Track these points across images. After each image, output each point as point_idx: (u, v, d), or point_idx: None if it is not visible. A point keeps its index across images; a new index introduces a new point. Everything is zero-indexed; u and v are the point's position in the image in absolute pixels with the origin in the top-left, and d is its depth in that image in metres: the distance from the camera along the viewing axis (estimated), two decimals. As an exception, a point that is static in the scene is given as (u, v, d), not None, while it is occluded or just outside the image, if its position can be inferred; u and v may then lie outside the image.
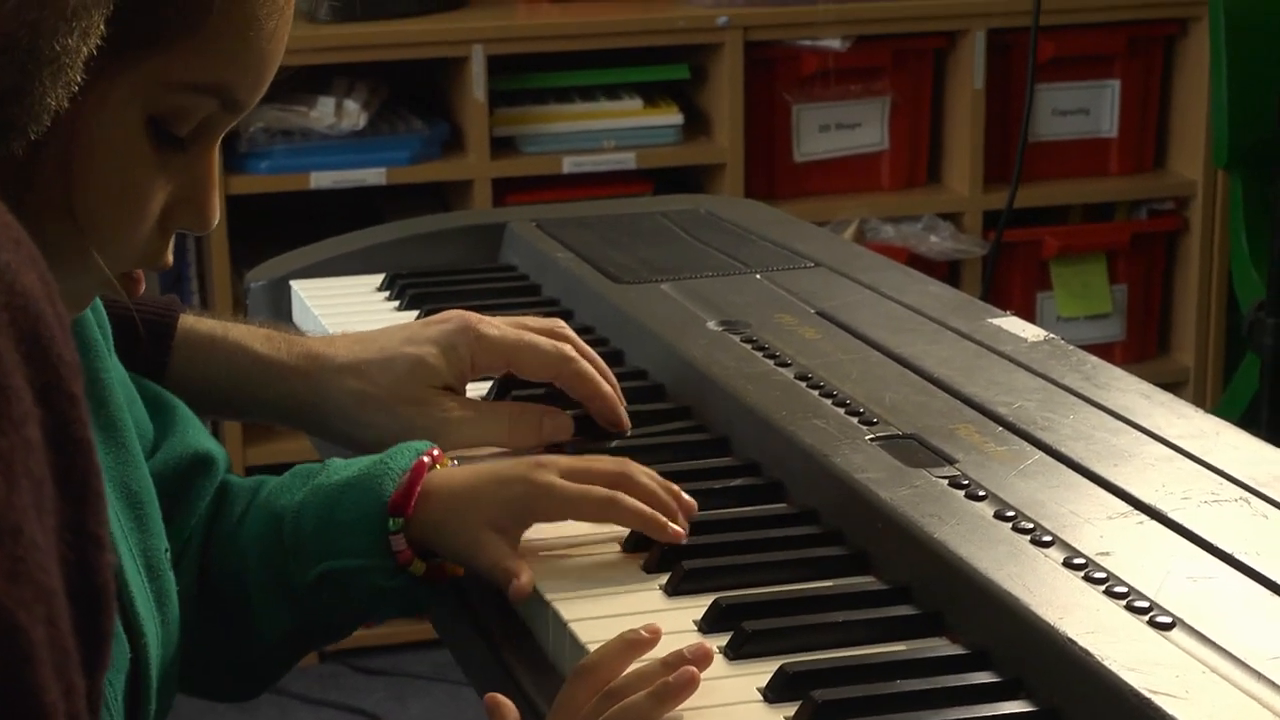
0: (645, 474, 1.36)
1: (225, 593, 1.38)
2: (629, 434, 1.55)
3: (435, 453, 1.38)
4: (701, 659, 1.15)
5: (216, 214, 1.15)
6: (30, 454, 0.65)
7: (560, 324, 1.59)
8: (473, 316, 1.55)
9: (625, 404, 1.57)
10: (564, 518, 1.35)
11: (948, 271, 3.66)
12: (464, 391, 1.55)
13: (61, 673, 0.65)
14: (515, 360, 1.54)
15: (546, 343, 1.54)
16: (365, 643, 3.57)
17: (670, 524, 1.32)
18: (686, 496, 1.36)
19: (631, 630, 1.18)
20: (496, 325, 1.55)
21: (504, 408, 1.54)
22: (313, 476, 1.39)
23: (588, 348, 1.58)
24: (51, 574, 0.65)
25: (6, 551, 0.63)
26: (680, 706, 1.13)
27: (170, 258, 1.15)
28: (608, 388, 1.54)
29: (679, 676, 1.13)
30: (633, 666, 1.17)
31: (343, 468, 1.38)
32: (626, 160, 3.54)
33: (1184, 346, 3.84)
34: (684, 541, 1.33)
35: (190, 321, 1.51)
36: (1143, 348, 3.84)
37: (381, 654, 3.55)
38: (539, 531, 1.36)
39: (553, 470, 1.34)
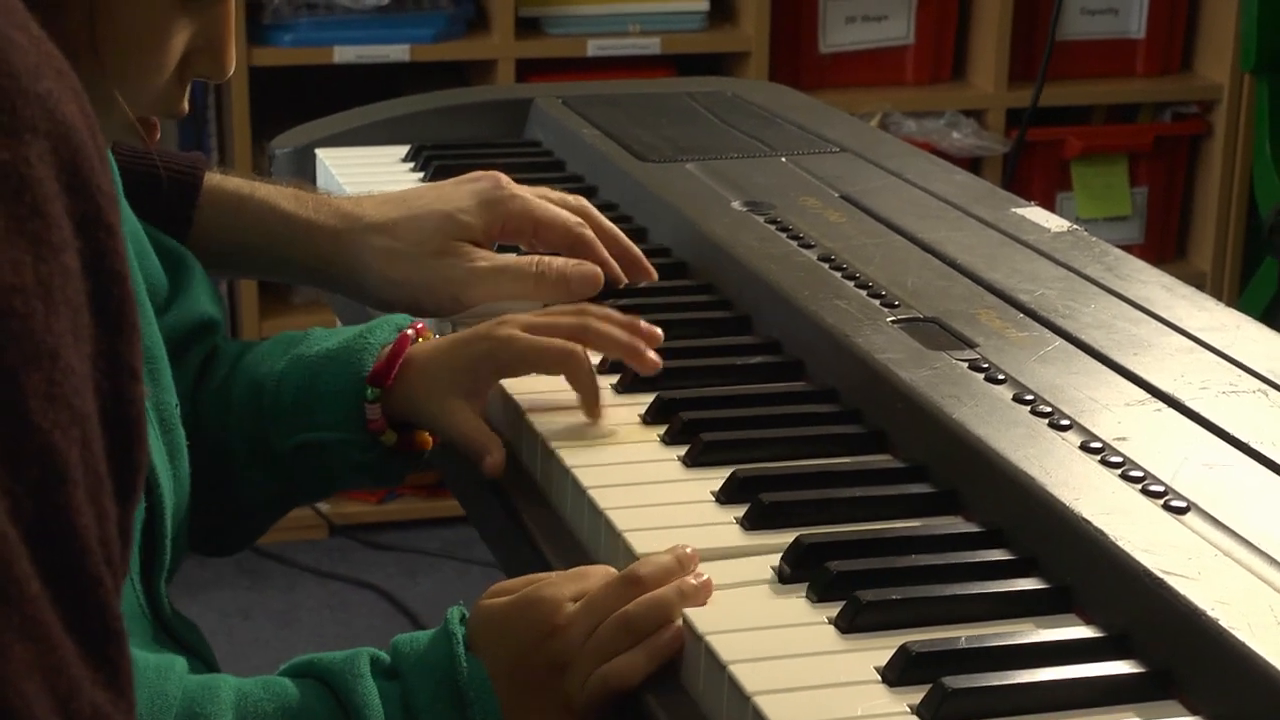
0: (605, 318, 1.38)
1: (208, 453, 1.40)
2: (652, 310, 1.56)
3: (419, 325, 1.39)
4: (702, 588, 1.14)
5: (233, 63, 1.19)
6: (68, 281, 0.66)
7: (583, 202, 1.59)
8: (503, 178, 1.55)
9: (652, 278, 1.59)
10: (526, 371, 1.37)
11: (969, 169, 3.64)
12: (490, 248, 1.55)
13: (94, 497, 0.66)
14: (541, 229, 1.54)
15: (571, 217, 1.55)
16: (376, 519, 3.59)
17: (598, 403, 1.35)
18: (649, 326, 1.39)
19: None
20: (526, 190, 1.55)
21: (530, 261, 1.54)
22: (294, 345, 1.40)
23: (612, 226, 1.58)
24: (86, 400, 0.66)
25: (44, 374, 0.64)
26: (697, 574, 1.14)
27: (186, 106, 1.18)
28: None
29: (705, 584, 1.12)
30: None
31: (324, 338, 1.40)
32: (651, 45, 3.52)
33: (1202, 251, 3.84)
34: (654, 372, 1.37)
35: (216, 179, 1.52)
36: (1161, 251, 3.84)
37: (392, 530, 3.58)
38: (563, 396, 1.37)
39: (513, 325, 1.35)
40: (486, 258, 1.53)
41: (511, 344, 1.34)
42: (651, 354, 1.37)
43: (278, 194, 1.53)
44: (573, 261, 1.54)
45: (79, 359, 0.66)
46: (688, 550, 1.15)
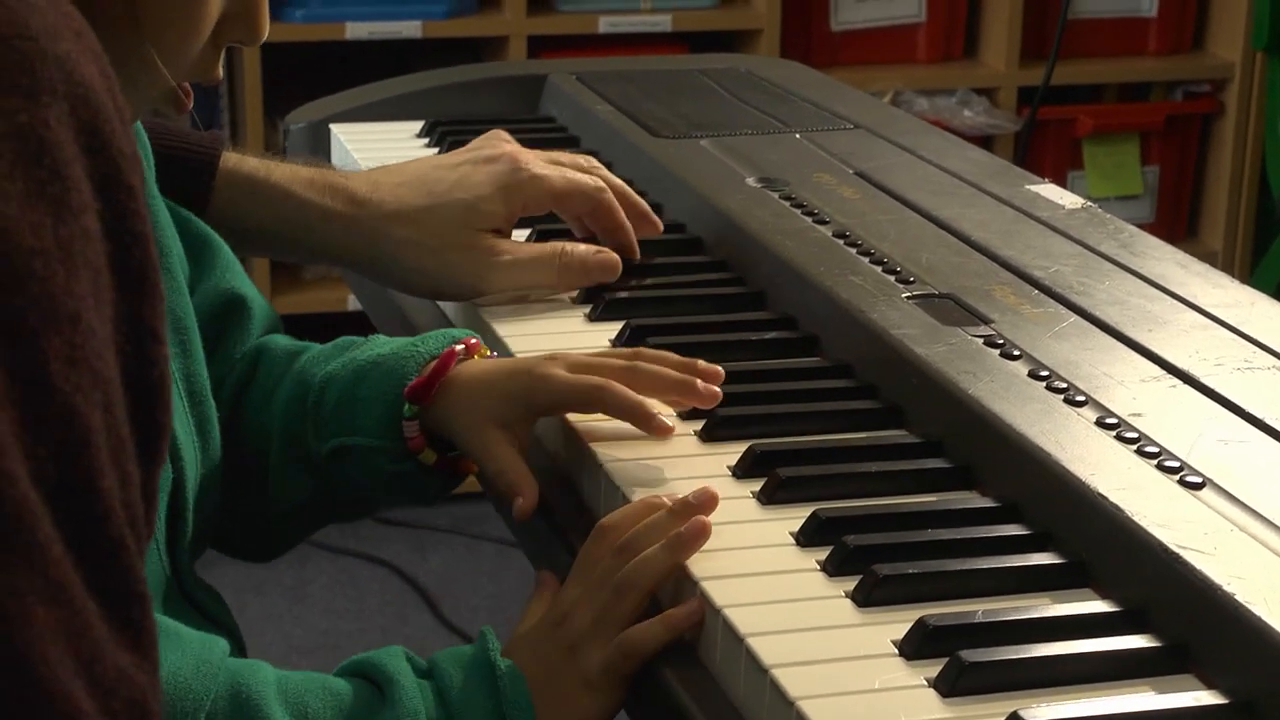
0: (658, 359, 1.32)
1: (249, 456, 1.38)
2: (667, 286, 1.56)
3: (472, 341, 1.35)
4: (708, 503, 1.16)
5: (267, 27, 1.19)
6: (89, 244, 0.66)
7: (593, 161, 1.60)
8: (520, 155, 1.55)
9: (658, 230, 1.61)
10: (561, 410, 1.31)
11: (980, 147, 3.63)
12: (511, 232, 1.56)
13: (117, 460, 0.66)
14: (561, 202, 1.55)
15: (590, 181, 1.56)
16: (386, 495, 3.59)
17: (656, 416, 1.28)
18: (707, 365, 1.32)
19: (654, 496, 1.19)
20: (543, 165, 1.55)
21: (551, 249, 1.54)
22: (350, 349, 1.37)
23: (621, 183, 1.60)
24: (108, 362, 0.66)
25: (65, 338, 0.64)
26: (714, 548, 1.14)
27: (220, 72, 1.18)
28: (628, 224, 1.58)
29: (690, 527, 1.14)
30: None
31: (380, 345, 1.36)
32: (662, 22, 3.52)
33: (1213, 230, 3.83)
34: (715, 404, 1.30)
35: (234, 160, 1.50)
36: (1172, 230, 3.83)
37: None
38: None
39: (560, 364, 1.30)
40: (509, 250, 1.53)
41: (548, 384, 1.29)
42: (707, 385, 1.30)
43: (294, 178, 1.51)
44: (593, 249, 1.54)
45: (100, 321, 0.66)
46: (661, 498, 1.18)
